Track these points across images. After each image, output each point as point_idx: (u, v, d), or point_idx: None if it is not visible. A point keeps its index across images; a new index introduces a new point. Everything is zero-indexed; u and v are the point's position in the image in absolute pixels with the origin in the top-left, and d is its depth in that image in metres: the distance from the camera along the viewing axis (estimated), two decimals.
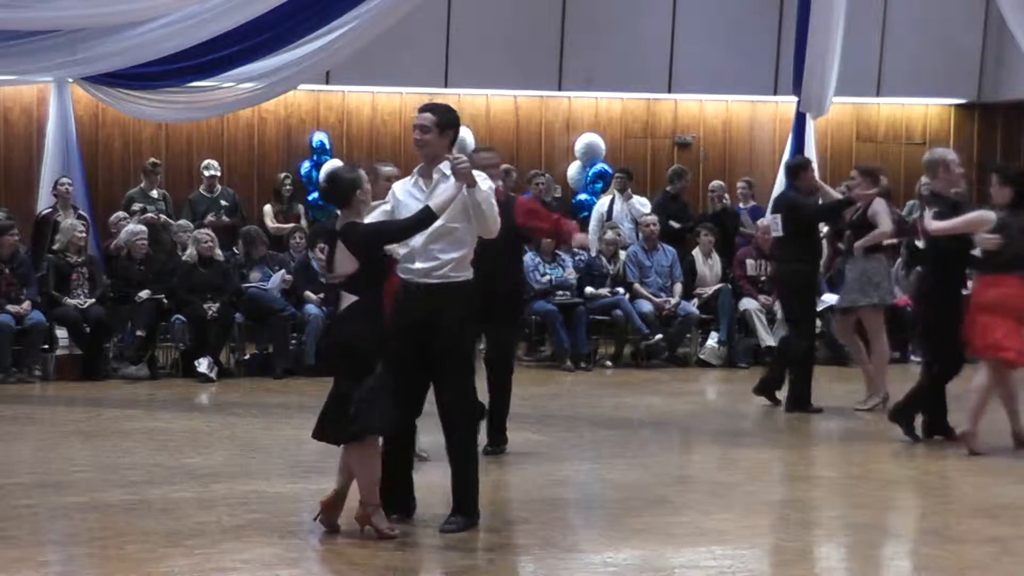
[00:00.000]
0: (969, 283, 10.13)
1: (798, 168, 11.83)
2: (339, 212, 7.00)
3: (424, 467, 8.78)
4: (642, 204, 15.79)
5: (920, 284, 10.32)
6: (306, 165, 16.39)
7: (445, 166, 7.06)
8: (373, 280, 6.82)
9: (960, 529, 7.40)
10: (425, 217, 6.81)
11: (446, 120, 7.13)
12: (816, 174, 12.32)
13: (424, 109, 7.22)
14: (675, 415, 11.31)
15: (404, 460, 7.32)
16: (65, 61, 14.66)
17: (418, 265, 7.00)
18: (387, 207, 7.24)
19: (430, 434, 9.37)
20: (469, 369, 7.15)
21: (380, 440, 6.91)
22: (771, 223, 11.74)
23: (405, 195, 7.14)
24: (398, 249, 7.05)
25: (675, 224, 15.47)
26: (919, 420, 9.88)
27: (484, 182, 7.06)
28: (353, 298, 6.75)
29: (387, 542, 6.79)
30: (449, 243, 6.99)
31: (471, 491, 7.16)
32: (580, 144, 17.24)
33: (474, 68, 16.94)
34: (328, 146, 16.58)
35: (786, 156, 17.12)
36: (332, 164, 14.79)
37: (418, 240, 6.98)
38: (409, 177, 7.26)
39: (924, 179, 16.52)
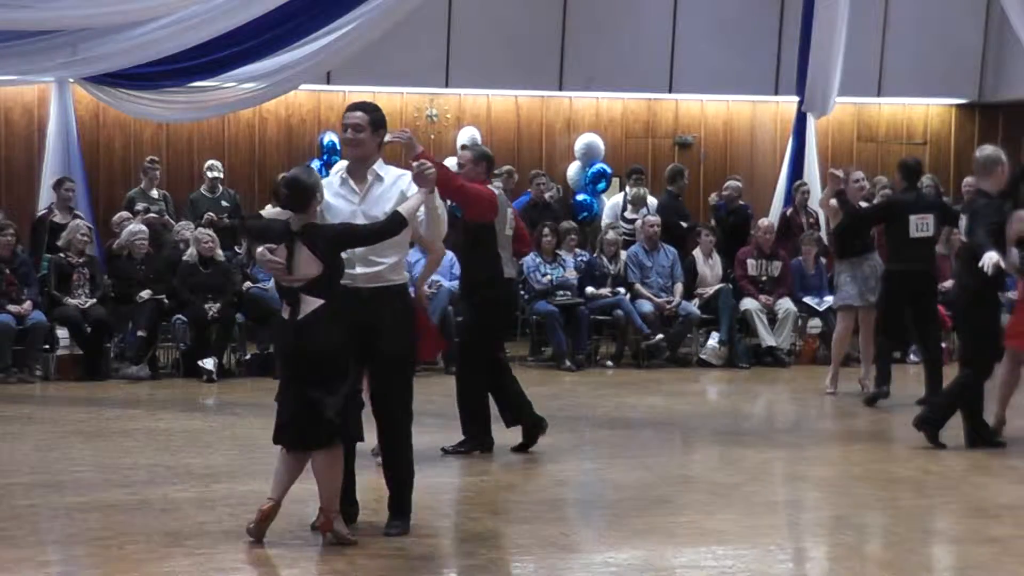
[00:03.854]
0: None
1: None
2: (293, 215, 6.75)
3: (421, 470, 8.79)
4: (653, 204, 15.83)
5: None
6: (316, 164, 16.39)
7: (379, 167, 6.99)
8: (335, 282, 6.71)
9: (960, 529, 7.40)
10: (397, 222, 6.74)
11: (377, 119, 6.99)
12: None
13: (354, 108, 7.03)
14: (676, 415, 11.31)
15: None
16: (66, 61, 14.67)
17: (359, 271, 6.87)
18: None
19: (428, 434, 9.41)
20: (409, 369, 7.07)
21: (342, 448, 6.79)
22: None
23: (334, 196, 6.91)
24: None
25: (684, 223, 15.51)
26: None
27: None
28: (315, 301, 6.62)
29: (387, 542, 6.79)
30: (387, 247, 6.87)
31: (408, 492, 7.07)
32: (579, 144, 17.23)
33: (475, 68, 16.95)
34: (339, 147, 16.57)
35: (787, 156, 17.18)
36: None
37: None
38: (333, 178, 7.06)
39: (925, 179, 16.58)
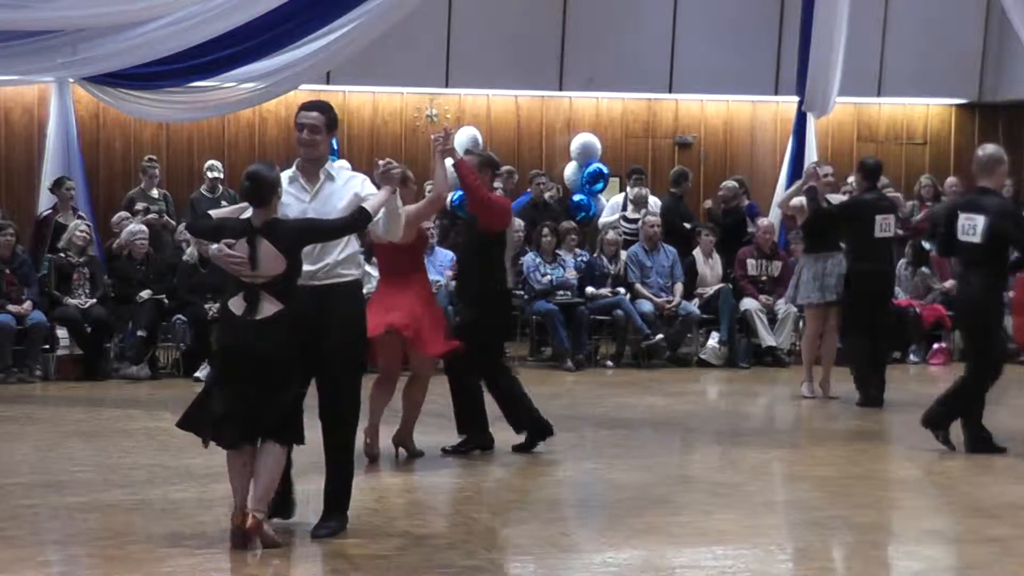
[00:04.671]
0: None
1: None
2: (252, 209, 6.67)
3: (422, 470, 8.80)
4: (655, 204, 15.82)
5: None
6: None
7: (331, 167, 6.94)
8: (294, 282, 6.62)
9: (960, 529, 7.40)
10: (360, 218, 6.69)
11: (332, 120, 6.95)
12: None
13: (310, 108, 6.96)
14: (676, 415, 11.31)
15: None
16: (66, 61, 14.65)
17: (306, 267, 6.76)
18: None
19: (428, 434, 9.41)
20: (356, 368, 6.99)
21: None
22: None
23: (284, 195, 6.80)
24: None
25: (687, 225, 15.49)
26: None
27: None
28: (274, 304, 6.50)
29: (386, 541, 6.79)
30: (331, 244, 6.82)
31: (347, 492, 6.98)
32: (576, 144, 17.22)
33: (475, 68, 16.95)
34: (336, 146, 16.57)
35: (787, 156, 17.17)
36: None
37: None
38: (283, 177, 6.87)
39: (924, 178, 16.59)
